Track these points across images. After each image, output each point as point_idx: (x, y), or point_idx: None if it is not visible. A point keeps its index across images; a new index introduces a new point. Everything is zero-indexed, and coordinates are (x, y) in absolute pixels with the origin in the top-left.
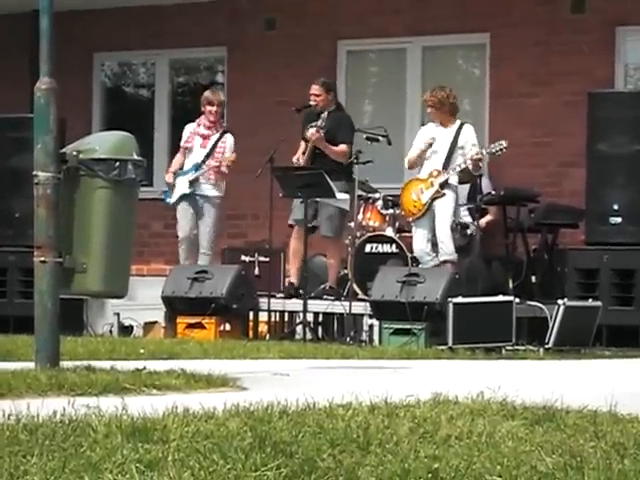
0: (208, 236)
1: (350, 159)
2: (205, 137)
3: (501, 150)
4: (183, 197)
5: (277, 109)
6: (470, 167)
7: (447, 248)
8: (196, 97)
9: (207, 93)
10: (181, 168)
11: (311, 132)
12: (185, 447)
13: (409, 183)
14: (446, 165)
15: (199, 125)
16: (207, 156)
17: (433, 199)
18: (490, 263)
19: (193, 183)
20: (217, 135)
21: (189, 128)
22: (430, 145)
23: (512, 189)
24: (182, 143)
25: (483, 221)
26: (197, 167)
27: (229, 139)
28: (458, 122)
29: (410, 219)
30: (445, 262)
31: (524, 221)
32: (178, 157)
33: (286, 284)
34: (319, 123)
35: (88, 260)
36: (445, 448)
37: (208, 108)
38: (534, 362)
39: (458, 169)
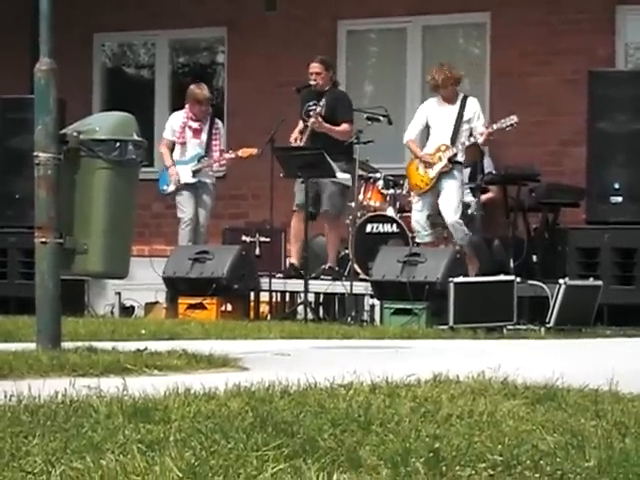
0: (208, 215)
1: (352, 137)
2: (196, 129)
3: (511, 125)
4: (184, 186)
5: (277, 89)
6: (480, 141)
7: (459, 233)
8: (196, 78)
9: (195, 90)
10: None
11: (311, 122)
12: (186, 427)
13: (416, 158)
14: (453, 140)
15: (187, 118)
16: (207, 147)
17: (441, 173)
18: (491, 243)
19: (196, 173)
20: (208, 124)
21: (177, 121)
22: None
23: (513, 168)
24: (171, 136)
25: (484, 197)
26: (200, 158)
27: (220, 125)
28: (461, 95)
29: (414, 194)
30: (462, 245)
31: (525, 200)
32: (165, 150)
33: (287, 265)
34: (318, 110)
35: (89, 241)
36: (446, 427)
37: (197, 107)
38: (535, 341)
39: (467, 143)
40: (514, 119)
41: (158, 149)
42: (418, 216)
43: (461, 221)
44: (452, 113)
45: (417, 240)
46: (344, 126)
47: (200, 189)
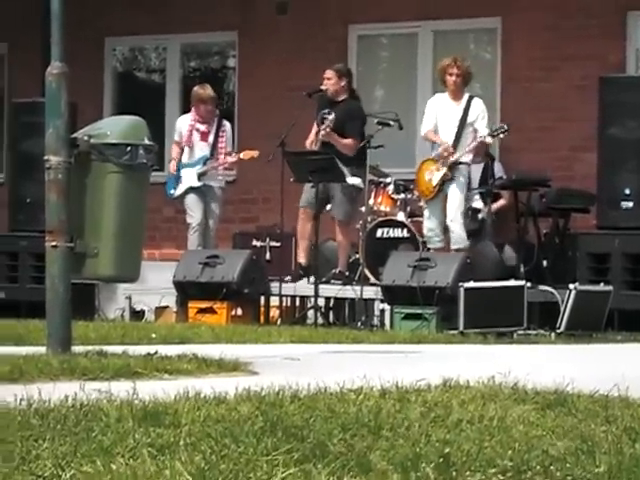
0: (216, 221)
1: (360, 145)
2: (203, 131)
3: (502, 132)
4: (191, 189)
5: (288, 94)
6: (473, 147)
7: (458, 236)
8: (207, 82)
9: (198, 90)
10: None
11: (321, 134)
12: (197, 431)
13: (423, 163)
14: (456, 144)
15: (194, 120)
16: (213, 149)
17: (444, 181)
18: (501, 248)
19: (201, 176)
20: (215, 126)
21: (184, 124)
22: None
23: (523, 173)
24: (178, 138)
25: (495, 206)
26: (205, 161)
27: (227, 127)
28: (467, 95)
29: (423, 200)
30: (457, 250)
31: (535, 206)
32: (176, 151)
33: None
34: (327, 122)
35: (99, 245)
36: (456, 432)
37: (202, 107)
38: (545, 347)
39: (467, 149)
40: (505, 127)
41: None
42: (427, 222)
43: (461, 220)
44: (457, 114)
45: (429, 245)
46: (348, 140)
47: (207, 194)
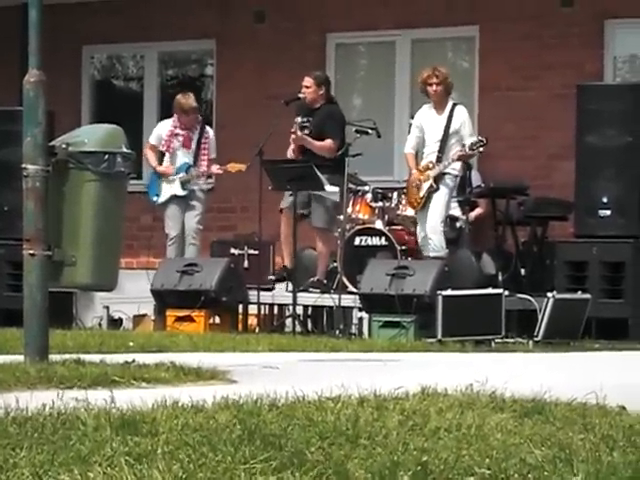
0: (197, 227)
1: (337, 153)
2: (185, 138)
3: (481, 146)
4: (174, 198)
5: (266, 102)
6: (455, 159)
7: (436, 245)
8: (185, 90)
9: (180, 100)
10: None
11: (292, 139)
12: (174, 440)
13: (413, 175)
14: (441, 154)
15: (175, 127)
16: (196, 156)
17: (429, 193)
18: (479, 256)
19: (185, 184)
20: (197, 133)
21: (164, 129)
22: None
23: (501, 182)
24: (155, 142)
25: (473, 214)
26: (188, 168)
27: (211, 134)
28: (450, 104)
29: (413, 211)
30: (435, 258)
31: (513, 214)
32: (151, 155)
33: (278, 267)
34: (296, 127)
35: (77, 253)
36: (434, 440)
37: (183, 116)
38: (523, 355)
39: (451, 160)
40: (483, 140)
41: (144, 153)
42: (420, 234)
43: (441, 229)
44: (441, 124)
45: (423, 253)
46: (327, 141)
47: (189, 197)
